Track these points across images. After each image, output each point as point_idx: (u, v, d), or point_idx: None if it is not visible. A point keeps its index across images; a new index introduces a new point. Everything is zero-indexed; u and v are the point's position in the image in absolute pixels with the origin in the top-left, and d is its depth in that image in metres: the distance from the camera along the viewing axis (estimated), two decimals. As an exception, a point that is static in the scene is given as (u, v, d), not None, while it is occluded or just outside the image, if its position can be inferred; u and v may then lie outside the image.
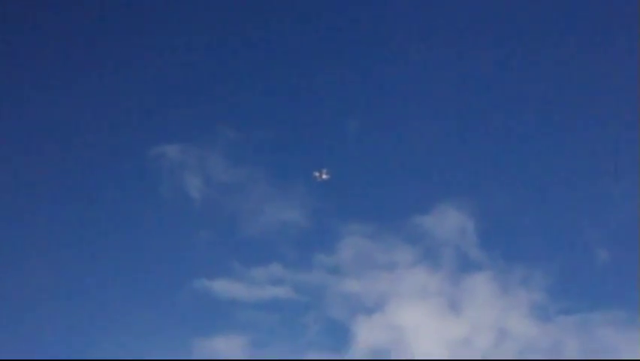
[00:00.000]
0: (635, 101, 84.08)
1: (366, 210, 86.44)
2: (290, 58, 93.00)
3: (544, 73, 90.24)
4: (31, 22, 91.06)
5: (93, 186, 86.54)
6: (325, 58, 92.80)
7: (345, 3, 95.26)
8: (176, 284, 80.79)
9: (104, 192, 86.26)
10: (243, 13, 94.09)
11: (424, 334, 79.17)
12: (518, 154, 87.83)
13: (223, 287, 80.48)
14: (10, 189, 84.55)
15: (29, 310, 77.27)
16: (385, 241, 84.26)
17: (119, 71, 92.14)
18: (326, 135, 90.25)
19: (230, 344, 77.99)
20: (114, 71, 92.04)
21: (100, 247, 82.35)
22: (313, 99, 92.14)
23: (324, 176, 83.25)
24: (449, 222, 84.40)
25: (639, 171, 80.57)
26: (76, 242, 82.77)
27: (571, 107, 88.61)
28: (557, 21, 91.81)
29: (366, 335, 78.97)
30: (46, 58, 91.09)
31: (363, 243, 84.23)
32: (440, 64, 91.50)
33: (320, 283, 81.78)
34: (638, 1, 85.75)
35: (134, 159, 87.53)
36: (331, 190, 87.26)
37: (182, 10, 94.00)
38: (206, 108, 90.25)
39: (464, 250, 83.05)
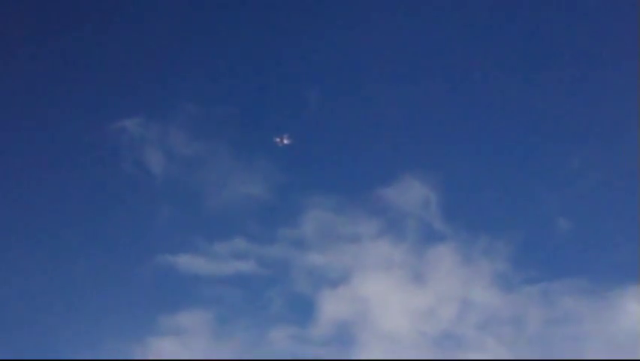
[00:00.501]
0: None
1: (330, 183, 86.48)
2: (249, 29, 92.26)
3: (506, 40, 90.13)
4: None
5: (53, 162, 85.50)
6: (285, 28, 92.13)
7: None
8: (139, 261, 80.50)
9: (64, 168, 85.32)
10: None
11: (389, 305, 79.65)
12: (481, 125, 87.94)
13: (186, 263, 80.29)
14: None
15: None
16: (349, 213, 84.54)
17: (80, 44, 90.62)
18: (288, 108, 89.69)
19: (195, 319, 77.96)
20: (75, 44, 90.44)
21: (60, 224, 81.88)
22: (274, 71, 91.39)
23: (285, 141, 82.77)
24: (413, 193, 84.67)
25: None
26: (37, 219, 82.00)
27: (528, 75, 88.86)
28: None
29: (331, 307, 79.21)
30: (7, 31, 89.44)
31: (327, 216, 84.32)
32: (404, 30, 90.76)
33: (284, 257, 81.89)
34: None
35: (94, 133, 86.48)
36: (294, 163, 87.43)
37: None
38: (166, 83, 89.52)
39: (428, 222, 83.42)
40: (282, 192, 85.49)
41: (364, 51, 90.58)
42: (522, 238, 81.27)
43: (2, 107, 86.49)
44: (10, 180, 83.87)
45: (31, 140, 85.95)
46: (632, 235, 76.51)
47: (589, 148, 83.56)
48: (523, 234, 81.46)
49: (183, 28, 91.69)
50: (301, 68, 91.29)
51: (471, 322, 77.99)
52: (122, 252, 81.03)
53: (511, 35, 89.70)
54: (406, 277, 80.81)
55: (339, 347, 77.16)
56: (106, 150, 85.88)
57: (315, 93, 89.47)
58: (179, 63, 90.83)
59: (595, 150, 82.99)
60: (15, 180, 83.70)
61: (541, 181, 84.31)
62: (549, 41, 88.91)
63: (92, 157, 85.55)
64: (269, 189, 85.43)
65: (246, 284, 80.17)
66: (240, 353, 76.05)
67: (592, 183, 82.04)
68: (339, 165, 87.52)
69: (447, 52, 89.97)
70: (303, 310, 79.20)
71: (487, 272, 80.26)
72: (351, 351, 76.66)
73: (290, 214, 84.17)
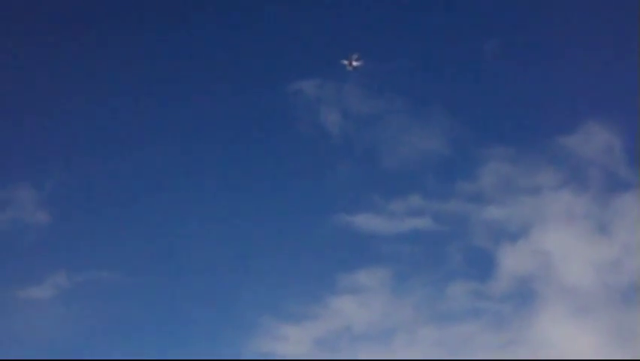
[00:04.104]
0: None
1: (508, 133, 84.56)
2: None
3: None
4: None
5: (232, 125, 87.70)
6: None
7: None
8: (318, 221, 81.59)
9: (243, 132, 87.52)
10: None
11: (572, 258, 76.88)
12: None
13: (363, 221, 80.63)
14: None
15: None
16: (528, 164, 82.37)
17: (255, 12, 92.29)
18: (462, 59, 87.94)
19: (373, 277, 78.34)
20: (249, 12, 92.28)
21: (240, 187, 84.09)
22: (449, 23, 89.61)
23: (354, 63, 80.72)
24: (595, 140, 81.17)
25: None
26: (216, 181, 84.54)
27: None
28: None
29: (511, 262, 77.41)
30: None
31: (506, 167, 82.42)
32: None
33: (462, 212, 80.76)
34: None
35: (272, 97, 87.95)
36: (471, 116, 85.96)
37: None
38: (338, 41, 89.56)
39: (612, 169, 79.95)
40: (458, 145, 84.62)
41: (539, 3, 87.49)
42: None
43: (182, 70, 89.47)
44: (192, 144, 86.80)
45: (212, 103, 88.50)
46: None
47: None
48: None
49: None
50: (477, 19, 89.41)
51: (659, 273, 74.24)
52: (301, 212, 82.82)
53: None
54: (589, 229, 77.98)
55: (521, 302, 75.73)
56: (284, 113, 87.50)
57: (491, 45, 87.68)
58: (348, 21, 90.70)
59: None
60: (196, 145, 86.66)
61: None
62: None
63: (270, 120, 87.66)
64: (445, 143, 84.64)
65: (423, 241, 79.89)
66: (418, 310, 76.20)
67: None
68: (517, 115, 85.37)
69: None
70: (482, 265, 78.14)
71: (678, 220, 75.87)
72: (532, 306, 75.00)
73: (467, 168, 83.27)
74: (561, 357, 69.31)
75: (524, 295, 75.78)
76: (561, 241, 77.48)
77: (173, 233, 79.85)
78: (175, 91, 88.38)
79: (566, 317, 73.74)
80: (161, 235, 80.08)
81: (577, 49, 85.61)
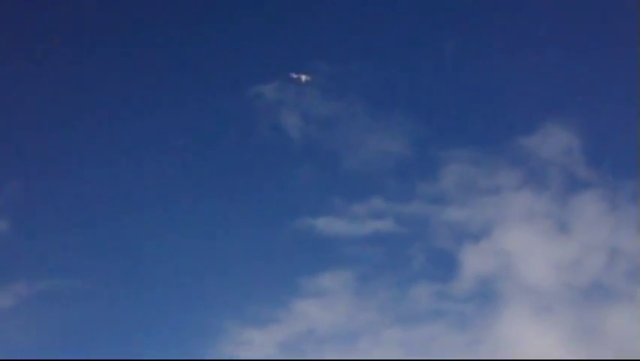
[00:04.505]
0: None
1: (468, 135, 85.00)
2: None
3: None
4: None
5: (191, 130, 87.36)
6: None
7: None
8: (280, 224, 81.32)
9: (204, 136, 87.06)
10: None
11: (533, 257, 77.33)
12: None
13: (326, 224, 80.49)
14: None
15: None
16: (489, 164, 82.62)
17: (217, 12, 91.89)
18: (423, 60, 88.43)
19: (336, 280, 78.27)
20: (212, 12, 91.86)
21: (200, 192, 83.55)
22: (408, 23, 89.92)
23: (302, 78, 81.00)
24: (554, 140, 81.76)
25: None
26: (174, 187, 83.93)
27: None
28: None
29: (474, 262, 77.73)
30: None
31: (467, 168, 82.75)
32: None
33: (423, 214, 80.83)
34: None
35: (233, 101, 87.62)
36: (431, 117, 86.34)
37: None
38: (298, 44, 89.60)
39: (571, 169, 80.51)
40: (419, 147, 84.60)
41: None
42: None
43: (139, 77, 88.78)
44: (150, 148, 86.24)
45: (170, 107, 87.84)
46: None
47: None
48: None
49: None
50: (436, 20, 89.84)
51: (620, 271, 74.95)
52: (263, 216, 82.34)
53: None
54: (550, 228, 78.48)
55: (483, 302, 76.06)
56: (244, 116, 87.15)
57: (451, 45, 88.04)
58: (311, 24, 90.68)
59: None
60: (155, 150, 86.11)
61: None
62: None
63: (231, 124, 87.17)
64: (406, 145, 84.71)
65: (385, 243, 79.88)
66: (382, 312, 76.36)
67: None
68: (477, 116, 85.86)
69: None
70: (444, 266, 78.33)
71: (636, 218, 76.68)
72: (495, 306, 75.42)
73: (428, 169, 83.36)
74: (523, 357, 69.90)
75: (487, 295, 76.28)
76: (522, 240, 78.07)
77: (134, 239, 79.52)
78: (133, 94, 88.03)
79: (528, 316, 74.24)
80: (122, 241, 79.62)
81: (536, 49, 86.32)
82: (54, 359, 68.29)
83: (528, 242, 77.90)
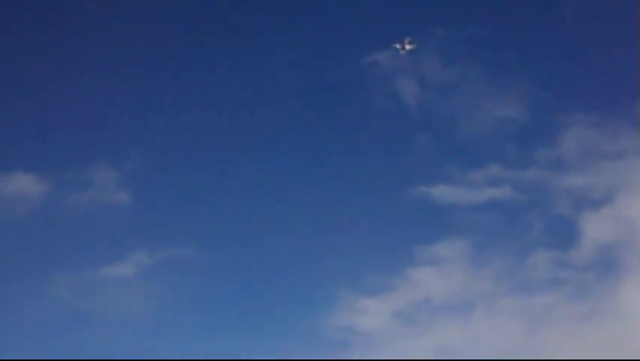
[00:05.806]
0: None
1: (589, 98, 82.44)
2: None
3: None
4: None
5: (309, 99, 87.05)
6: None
7: None
8: (396, 193, 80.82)
9: (320, 104, 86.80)
10: None
11: (658, 225, 74.71)
12: None
13: (442, 192, 79.73)
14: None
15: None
16: (611, 128, 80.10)
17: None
18: (541, 21, 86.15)
19: (452, 248, 77.60)
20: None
21: (319, 159, 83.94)
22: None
23: (406, 46, 78.70)
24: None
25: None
26: (296, 151, 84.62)
27: None
28: None
29: (594, 230, 75.69)
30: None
31: (587, 133, 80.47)
32: None
33: (542, 180, 79.22)
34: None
35: (347, 70, 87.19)
36: (551, 80, 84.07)
37: None
38: (414, 9, 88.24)
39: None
40: (538, 111, 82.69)
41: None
42: None
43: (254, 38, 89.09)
44: (268, 118, 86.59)
45: (287, 77, 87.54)
46: None
47: None
48: None
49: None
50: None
51: None
52: (379, 185, 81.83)
53: None
54: (676, 193, 75.46)
55: (604, 271, 74.05)
56: (360, 85, 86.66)
57: (571, 3, 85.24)
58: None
59: None
60: (273, 120, 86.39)
61: None
62: None
63: (347, 92, 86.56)
64: (525, 109, 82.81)
65: (502, 211, 78.65)
66: (499, 281, 75.24)
67: None
68: (599, 77, 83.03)
69: None
70: (564, 234, 76.64)
71: None
72: (616, 275, 73.28)
73: (547, 135, 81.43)
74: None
75: (608, 264, 74.24)
76: (647, 207, 75.37)
77: (250, 209, 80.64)
78: (252, 64, 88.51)
79: (653, 286, 71.99)
80: (239, 212, 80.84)
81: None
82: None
83: (653, 209, 75.15)
